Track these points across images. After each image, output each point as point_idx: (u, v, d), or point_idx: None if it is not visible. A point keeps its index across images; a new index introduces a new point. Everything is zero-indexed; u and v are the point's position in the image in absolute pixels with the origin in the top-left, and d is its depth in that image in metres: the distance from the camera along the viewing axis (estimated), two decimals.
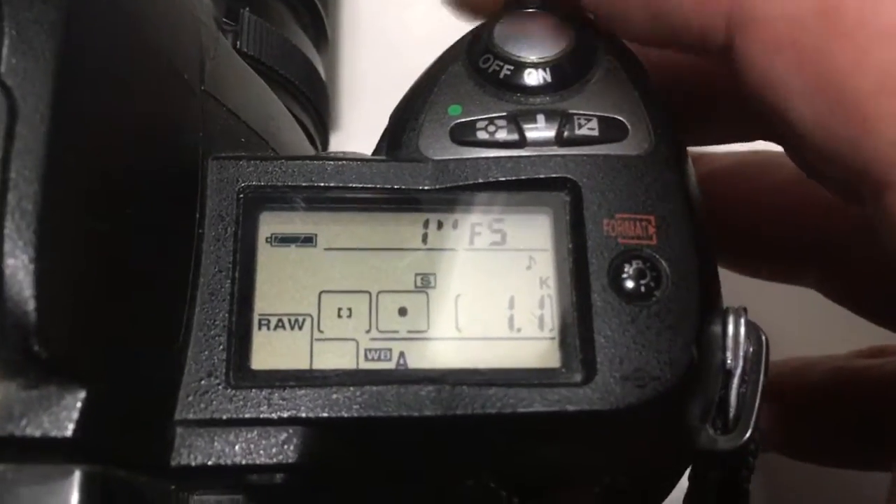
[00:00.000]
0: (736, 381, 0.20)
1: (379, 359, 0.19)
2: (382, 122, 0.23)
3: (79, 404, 0.16)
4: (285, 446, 0.18)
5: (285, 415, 0.18)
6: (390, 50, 0.41)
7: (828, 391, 0.29)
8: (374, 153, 0.22)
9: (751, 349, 0.21)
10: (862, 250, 0.27)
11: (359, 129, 0.40)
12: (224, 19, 0.26)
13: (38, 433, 0.16)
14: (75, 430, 0.16)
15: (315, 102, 0.29)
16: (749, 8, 0.18)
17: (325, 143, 0.31)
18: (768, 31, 0.18)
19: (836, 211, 0.26)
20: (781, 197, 0.27)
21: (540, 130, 0.21)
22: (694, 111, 0.24)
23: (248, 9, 0.27)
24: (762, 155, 0.28)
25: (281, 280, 0.20)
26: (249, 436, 0.18)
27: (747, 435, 0.20)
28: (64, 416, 0.16)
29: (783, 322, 0.35)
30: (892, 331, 0.28)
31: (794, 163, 0.24)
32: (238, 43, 0.26)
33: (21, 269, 0.15)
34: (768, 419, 0.26)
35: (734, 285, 0.30)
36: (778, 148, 0.26)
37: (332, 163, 0.20)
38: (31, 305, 0.15)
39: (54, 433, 0.16)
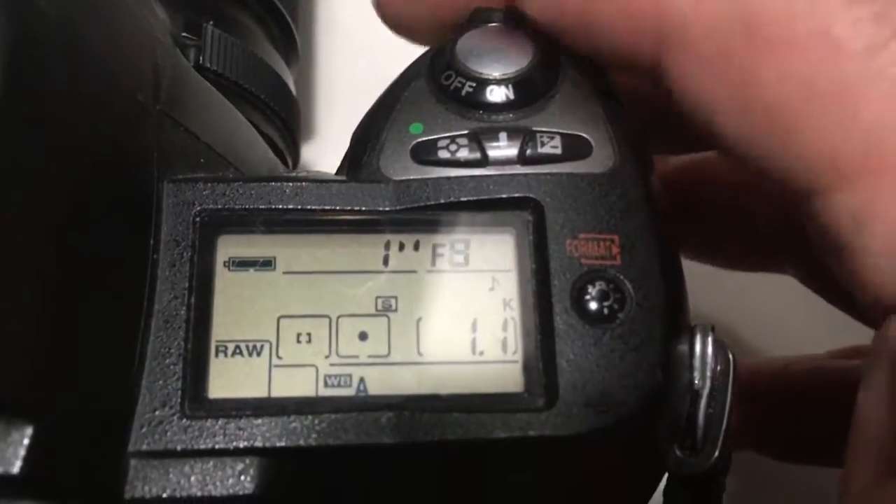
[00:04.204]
0: (704, 401, 0.20)
1: (339, 385, 0.19)
2: None
3: (26, 440, 0.16)
4: (242, 477, 0.18)
5: (242, 445, 0.18)
6: (366, 56, 0.41)
7: (805, 391, 0.29)
8: (336, 173, 0.22)
9: (718, 368, 0.20)
10: None
11: (334, 137, 0.40)
12: (185, 34, 0.25)
13: None
14: (23, 467, 0.16)
15: (284, 117, 0.28)
16: (673, 25, 0.19)
17: (296, 158, 0.31)
18: (693, 47, 0.18)
19: None
20: (752, 184, 0.27)
21: (502, 149, 0.20)
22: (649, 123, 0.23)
23: (211, 23, 0.26)
24: None
25: (239, 305, 0.19)
26: (205, 467, 0.18)
27: (716, 455, 0.20)
28: (11, 453, 0.16)
29: (765, 319, 0.35)
30: (862, 322, 0.28)
31: None
32: (201, 58, 0.25)
33: None
34: (745, 418, 0.26)
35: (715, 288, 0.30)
36: None
37: (290, 184, 0.20)
38: None
39: (1, 470, 0.16)
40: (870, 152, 0.17)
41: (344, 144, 0.22)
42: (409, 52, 0.23)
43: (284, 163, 0.29)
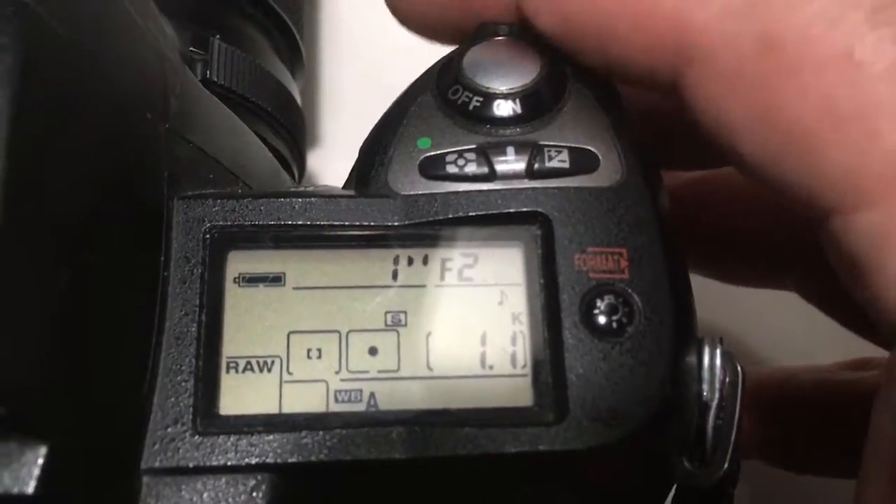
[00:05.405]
0: (712, 413, 0.20)
1: (349, 400, 0.19)
2: (363, 136, 0.22)
3: (40, 460, 0.16)
4: (254, 493, 0.18)
5: (253, 461, 0.18)
6: (371, 62, 0.41)
7: (812, 402, 0.29)
8: (344, 186, 0.22)
9: (727, 380, 0.20)
10: None
11: (339, 145, 0.40)
12: (192, 48, 0.25)
13: None
14: (37, 487, 0.16)
15: (290, 128, 0.29)
16: (694, 43, 0.18)
17: (302, 169, 0.31)
18: (713, 65, 0.18)
19: None
20: (757, 200, 0.27)
21: (510, 163, 0.20)
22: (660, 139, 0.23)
23: (218, 36, 0.26)
24: None
25: (249, 321, 0.19)
26: (217, 484, 0.18)
27: (725, 467, 0.20)
28: (25, 473, 0.16)
29: (770, 329, 0.35)
30: (865, 338, 0.28)
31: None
32: (208, 72, 0.25)
33: None
34: (752, 427, 0.26)
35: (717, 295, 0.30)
36: None
37: (299, 200, 0.20)
38: None
39: (15, 490, 0.16)
40: (890, 173, 0.17)
41: (349, 152, 0.22)
42: (414, 60, 0.23)
43: (291, 174, 0.29)
